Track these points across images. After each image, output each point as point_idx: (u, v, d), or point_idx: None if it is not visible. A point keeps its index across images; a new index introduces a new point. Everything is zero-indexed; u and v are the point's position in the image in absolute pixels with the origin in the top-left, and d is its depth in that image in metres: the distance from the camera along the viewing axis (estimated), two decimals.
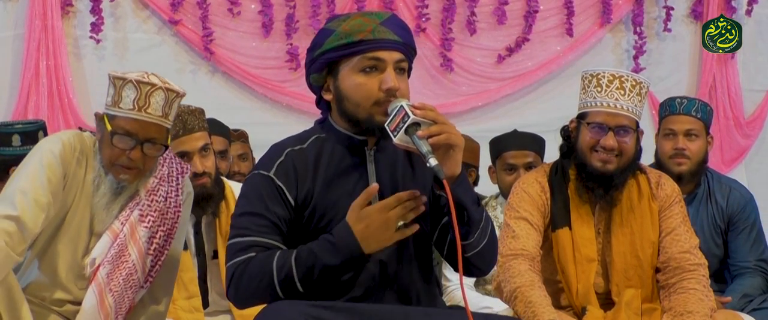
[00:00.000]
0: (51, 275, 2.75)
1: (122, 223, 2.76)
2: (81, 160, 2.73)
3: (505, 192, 3.90)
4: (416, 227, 2.14)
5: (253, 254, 2.17)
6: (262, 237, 2.19)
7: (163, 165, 2.84)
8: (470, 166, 4.05)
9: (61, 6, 5.33)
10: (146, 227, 2.77)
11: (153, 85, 2.65)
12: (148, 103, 2.65)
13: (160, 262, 2.83)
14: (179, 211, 2.85)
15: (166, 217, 2.81)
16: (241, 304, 2.24)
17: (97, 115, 2.75)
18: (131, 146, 2.67)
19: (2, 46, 5.35)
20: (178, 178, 2.86)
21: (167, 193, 2.83)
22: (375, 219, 2.11)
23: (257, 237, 2.19)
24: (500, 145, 3.96)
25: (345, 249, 2.12)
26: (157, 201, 2.79)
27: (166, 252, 2.84)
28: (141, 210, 2.77)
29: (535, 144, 3.95)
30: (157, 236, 2.80)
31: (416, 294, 2.30)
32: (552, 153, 3.16)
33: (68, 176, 2.70)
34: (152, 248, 2.79)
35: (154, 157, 2.72)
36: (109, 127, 2.67)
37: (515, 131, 4.05)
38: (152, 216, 2.78)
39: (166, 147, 2.75)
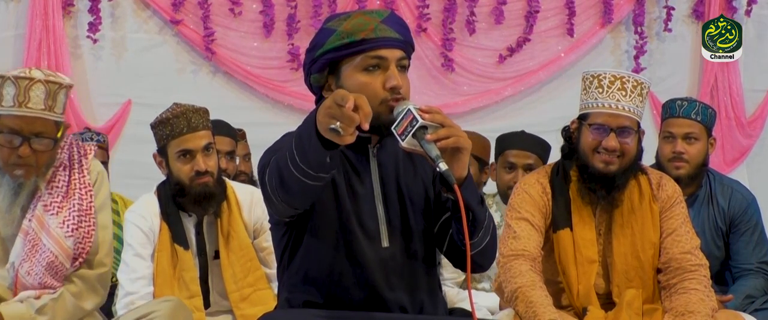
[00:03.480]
0: None
1: (30, 220, 2.81)
2: None
3: (502, 191, 3.92)
4: (349, 139, 1.94)
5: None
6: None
7: (62, 151, 2.88)
8: (484, 163, 4.06)
9: (62, 6, 5.34)
10: (53, 214, 2.81)
11: (31, 79, 2.69)
12: (28, 98, 2.70)
13: (88, 242, 2.84)
14: (90, 190, 2.87)
15: (72, 198, 2.84)
16: (283, 199, 2.12)
17: None
18: (17, 144, 2.72)
19: (3, 45, 5.36)
20: (80, 161, 2.90)
21: (69, 177, 2.86)
22: (323, 104, 1.96)
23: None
24: (504, 143, 3.98)
25: (310, 121, 2.00)
26: (57, 187, 2.84)
27: (92, 230, 2.85)
28: (43, 201, 2.82)
29: (539, 147, 3.96)
30: (71, 218, 2.82)
31: (421, 290, 2.30)
32: (553, 153, 3.16)
33: None
34: (69, 230, 2.81)
35: (44, 151, 2.77)
36: None
37: (523, 132, 4.06)
38: (56, 201, 2.82)
39: (56, 140, 2.78)
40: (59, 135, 2.80)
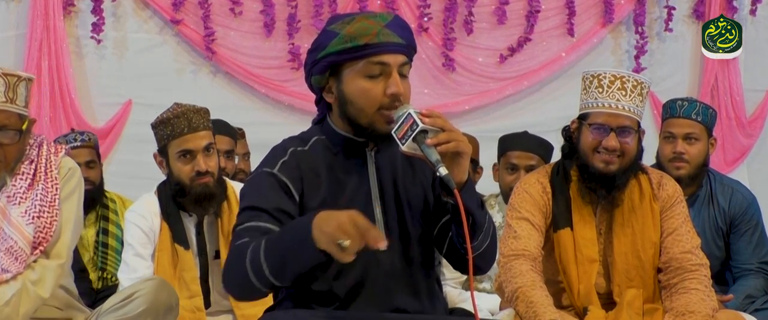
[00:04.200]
0: None
1: None
2: None
3: (504, 192, 3.91)
4: (348, 258, 1.92)
5: (244, 239, 2.09)
6: (254, 222, 2.12)
7: (31, 147, 2.92)
8: (476, 163, 4.06)
9: (62, 6, 5.34)
10: (15, 204, 2.85)
11: None
12: None
13: (50, 231, 2.86)
14: (56, 184, 2.90)
15: (35, 190, 2.87)
16: (235, 296, 2.19)
17: None
18: None
19: (4, 45, 5.36)
20: (48, 157, 2.93)
21: (35, 170, 2.90)
22: (330, 216, 1.94)
23: (250, 223, 2.13)
24: (507, 144, 3.98)
25: (299, 232, 1.97)
26: (21, 179, 2.88)
27: (55, 221, 2.87)
28: (7, 193, 2.86)
29: (541, 148, 3.95)
30: (33, 207, 2.86)
31: (420, 292, 2.30)
32: (555, 153, 3.16)
33: None
34: (30, 218, 2.84)
35: (10, 145, 2.81)
36: None
37: (525, 132, 4.06)
38: (19, 193, 2.86)
39: (21, 132, 2.82)
40: (24, 127, 2.84)
